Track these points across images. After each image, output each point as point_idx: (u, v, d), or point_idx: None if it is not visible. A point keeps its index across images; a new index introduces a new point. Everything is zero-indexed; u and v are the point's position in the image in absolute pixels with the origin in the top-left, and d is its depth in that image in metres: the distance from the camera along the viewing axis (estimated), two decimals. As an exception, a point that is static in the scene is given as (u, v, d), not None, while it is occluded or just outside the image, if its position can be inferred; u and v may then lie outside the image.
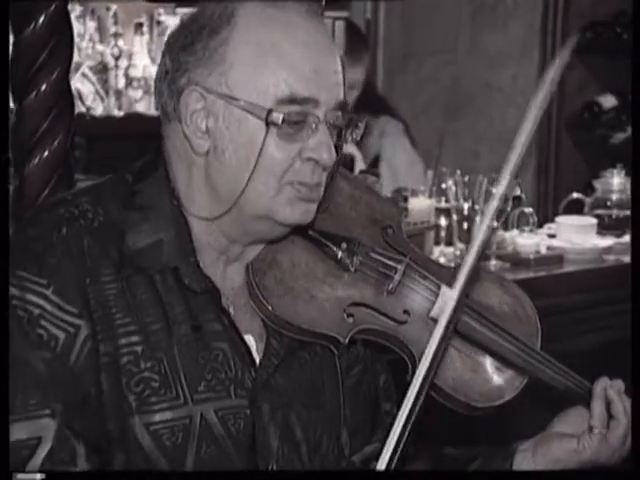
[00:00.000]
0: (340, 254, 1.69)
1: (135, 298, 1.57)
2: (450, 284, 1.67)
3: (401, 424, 1.42)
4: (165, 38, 1.65)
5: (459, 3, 5.39)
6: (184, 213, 1.62)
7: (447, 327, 1.49)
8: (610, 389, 1.74)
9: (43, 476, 1.46)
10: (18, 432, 1.49)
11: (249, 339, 1.64)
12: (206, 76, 1.57)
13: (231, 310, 1.63)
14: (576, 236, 3.52)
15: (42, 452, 1.50)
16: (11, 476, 1.46)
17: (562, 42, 5.13)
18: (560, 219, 3.64)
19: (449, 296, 1.65)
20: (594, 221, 3.62)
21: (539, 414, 1.81)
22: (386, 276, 1.70)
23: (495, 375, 1.72)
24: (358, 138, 1.66)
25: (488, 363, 1.73)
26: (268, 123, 1.55)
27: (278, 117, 1.55)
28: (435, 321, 1.64)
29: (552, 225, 3.69)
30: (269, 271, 1.66)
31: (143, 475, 1.52)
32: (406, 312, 1.69)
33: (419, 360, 1.60)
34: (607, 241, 3.56)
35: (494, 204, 1.51)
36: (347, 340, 1.65)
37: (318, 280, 1.68)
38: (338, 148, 1.62)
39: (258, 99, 1.56)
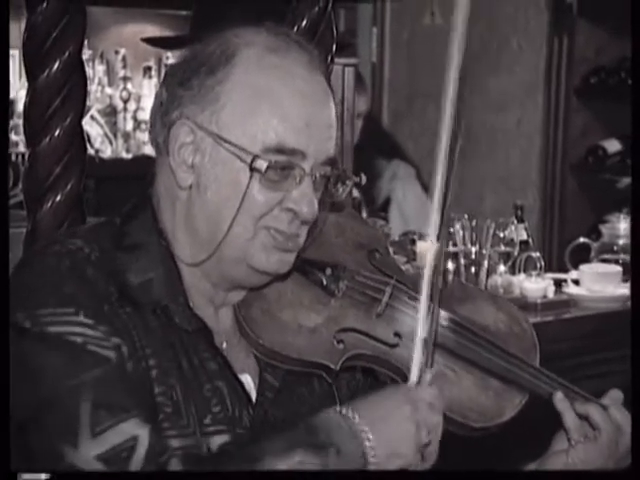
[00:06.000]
0: (325, 280, 1.67)
1: (144, 325, 1.55)
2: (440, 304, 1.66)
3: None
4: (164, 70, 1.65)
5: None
6: (173, 254, 1.61)
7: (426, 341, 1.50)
8: (571, 402, 1.69)
9: (48, 476, 1.44)
10: (110, 439, 1.45)
11: (246, 378, 1.62)
12: (198, 112, 1.57)
13: (225, 348, 1.62)
14: (598, 284, 3.52)
15: (142, 449, 1.46)
16: (15, 476, 1.45)
17: (566, 86, 5.16)
18: (584, 267, 3.62)
19: (439, 316, 1.65)
20: (618, 269, 3.60)
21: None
22: (374, 299, 1.68)
23: (493, 394, 1.69)
24: (343, 196, 1.64)
25: (486, 382, 1.69)
26: (252, 169, 1.55)
27: (262, 165, 1.54)
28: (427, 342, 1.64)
29: (575, 272, 3.66)
30: (255, 302, 1.64)
31: (143, 475, 1.49)
32: (397, 335, 1.66)
33: None
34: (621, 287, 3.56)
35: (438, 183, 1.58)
36: (339, 367, 1.62)
37: (305, 308, 1.65)
38: (322, 202, 1.61)
39: (246, 143, 1.55)
